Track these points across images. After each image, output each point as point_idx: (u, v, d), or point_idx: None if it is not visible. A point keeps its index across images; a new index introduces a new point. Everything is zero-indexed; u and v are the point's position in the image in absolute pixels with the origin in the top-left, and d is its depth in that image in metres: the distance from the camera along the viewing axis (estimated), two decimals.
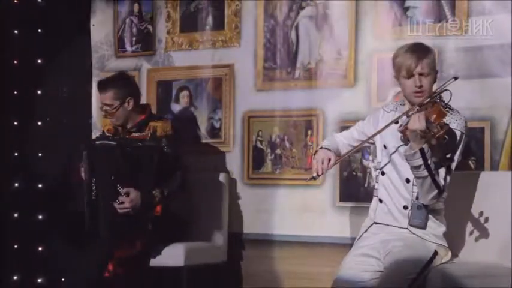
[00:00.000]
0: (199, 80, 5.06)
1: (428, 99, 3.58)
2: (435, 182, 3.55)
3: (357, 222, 4.02)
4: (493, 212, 3.88)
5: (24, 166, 5.46)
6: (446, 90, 3.64)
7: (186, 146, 4.75)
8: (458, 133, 3.61)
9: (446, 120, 3.53)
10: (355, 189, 4.54)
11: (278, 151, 4.81)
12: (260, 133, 4.87)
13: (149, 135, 4.44)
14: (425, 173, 3.52)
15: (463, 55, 4.29)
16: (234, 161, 4.92)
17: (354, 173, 4.55)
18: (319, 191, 4.64)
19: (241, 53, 4.93)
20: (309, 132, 4.72)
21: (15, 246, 5.43)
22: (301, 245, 4.68)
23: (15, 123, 5.47)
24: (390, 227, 3.72)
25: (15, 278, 5.41)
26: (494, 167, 4.19)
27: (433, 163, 3.52)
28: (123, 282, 4.20)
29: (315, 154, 3.89)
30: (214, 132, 5.01)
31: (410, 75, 3.65)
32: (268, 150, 4.84)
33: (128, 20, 5.32)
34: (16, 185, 5.46)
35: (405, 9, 4.45)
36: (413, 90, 3.66)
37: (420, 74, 3.64)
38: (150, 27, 5.24)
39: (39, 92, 5.50)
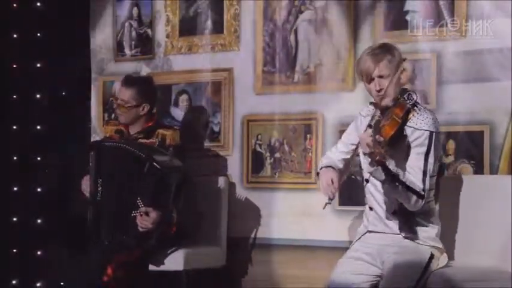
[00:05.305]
0: (199, 84, 5.06)
1: (392, 104, 3.61)
2: (410, 188, 3.52)
3: (357, 226, 4.01)
4: (493, 216, 3.89)
5: (23, 170, 5.46)
6: (409, 91, 3.68)
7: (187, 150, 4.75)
8: (426, 133, 3.59)
9: (411, 121, 3.57)
10: (354, 193, 4.53)
11: (277, 155, 4.81)
12: (259, 137, 4.87)
13: (157, 142, 4.42)
14: (394, 184, 3.51)
15: (462, 59, 4.29)
16: (233, 165, 4.92)
17: (354, 177, 4.54)
18: (318, 195, 4.61)
19: (240, 57, 4.93)
20: (308, 136, 4.71)
21: (14, 250, 5.43)
22: (300, 249, 4.67)
23: (14, 127, 5.47)
24: (384, 234, 3.73)
25: (14, 282, 5.41)
26: (494, 171, 4.19)
27: (400, 171, 3.51)
28: (122, 287, 4.19)
29: (318, 175, 3.89)
30: (213, 136, 5.01)
31: (370, 79, 3.68)
32: (268, 154, 4.84)
33: (127, 24, 5.32)
34: (15, 189, 5.45)
35: (404, 13, 4.45)
36: (375, 94, 3.69)
37: (379, 77, 3.65)
38: (149, 31, 5.24)
39: (38, 95, 5.50)
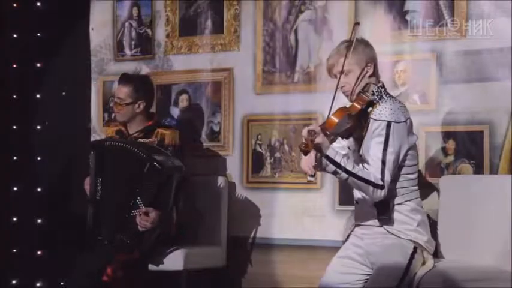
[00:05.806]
0: (199, 84, 5.06)
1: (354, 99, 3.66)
2: (362, 179, 3.52)
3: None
4: (493, 216, 3.89)
5: (23, 170, 5.46)
6: (378, 85, 3.69)
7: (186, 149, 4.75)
8: (384, 123, 3.58)
9: (372, 113, 3.60)
10: None
11: (277, 155, 4.81)
12: (259, 137, 4.87)
13: (156, 142, 4.43)
14: (345, 175, 3.51)
15: (462, 59, 4.29)
16: (234, 165, 4.92)
17: None
18: (318, 195, 4.64)
19: (240, 56, 4.93)
20: None
21: (14, 250, 5.43)
22: (300, 248, 4.67)
23: (14, 127, 5.47)
24: (369, 227, 3.72)
25: (14, 282, 5.41)
26: (494, 170, 4.19)
27: (349, 162, 3.51)
28: (122, 286, 4.19)
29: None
30: (213, 136, 5.01)
31: (332, 75, 3.73)
32: (268, 154, 4.84)
33: (127, 24, 5.32)
34: (15, 189, 5.45)
35: (404, 13, 4.45)
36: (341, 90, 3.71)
37: (340, 73, 3.68)
38: (149, 31, 5.25)
39: (38, 95, 5.50)
